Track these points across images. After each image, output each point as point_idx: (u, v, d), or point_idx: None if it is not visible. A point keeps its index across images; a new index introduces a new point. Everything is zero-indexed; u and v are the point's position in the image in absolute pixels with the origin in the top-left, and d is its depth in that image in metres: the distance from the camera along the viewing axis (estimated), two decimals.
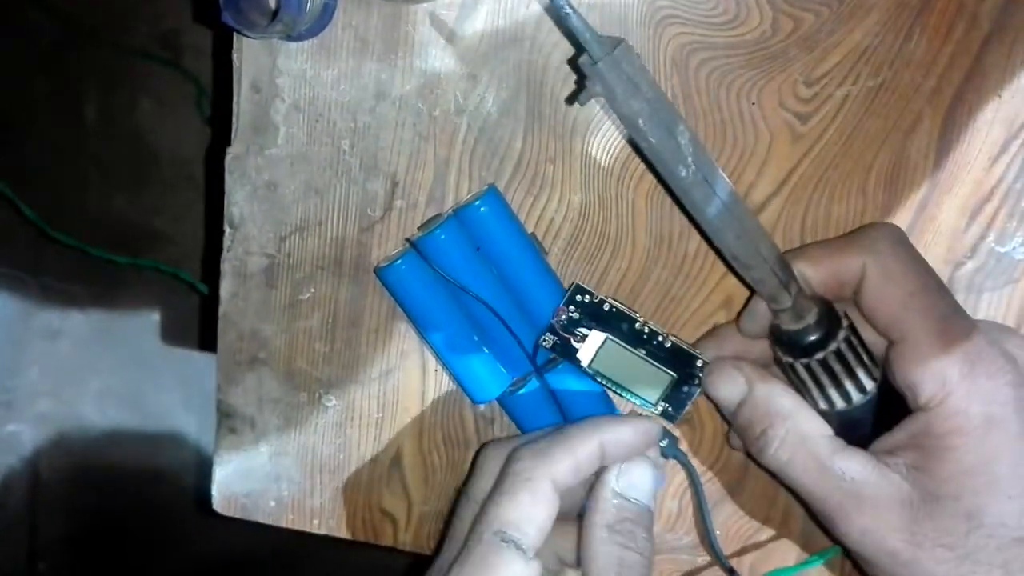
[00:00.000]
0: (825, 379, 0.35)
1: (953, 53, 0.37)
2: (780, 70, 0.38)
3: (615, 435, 0.36)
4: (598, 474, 0.37)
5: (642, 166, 0.39)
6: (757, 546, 0.44)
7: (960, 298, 0.40)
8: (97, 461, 1.08)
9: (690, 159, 0.31)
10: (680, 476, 0.43)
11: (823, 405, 0.36)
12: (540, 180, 0.40)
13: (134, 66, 1.01)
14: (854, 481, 0.35)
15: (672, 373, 0.38)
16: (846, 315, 0.36)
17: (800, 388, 0.37)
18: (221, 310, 0.43)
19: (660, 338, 0.37)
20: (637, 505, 0.36)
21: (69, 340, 1.06)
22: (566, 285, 0.40)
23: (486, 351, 0.41)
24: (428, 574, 0.35)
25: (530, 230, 0.40)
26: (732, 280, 0.41)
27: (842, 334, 0.35)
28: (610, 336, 0.37)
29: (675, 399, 0.39)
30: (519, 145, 0.40)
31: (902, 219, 0.39)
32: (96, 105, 1.03)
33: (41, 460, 1.08)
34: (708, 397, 0.39)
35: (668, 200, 0.40)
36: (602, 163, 0.40)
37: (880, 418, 0.35)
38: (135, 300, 1.05)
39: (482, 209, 0.39)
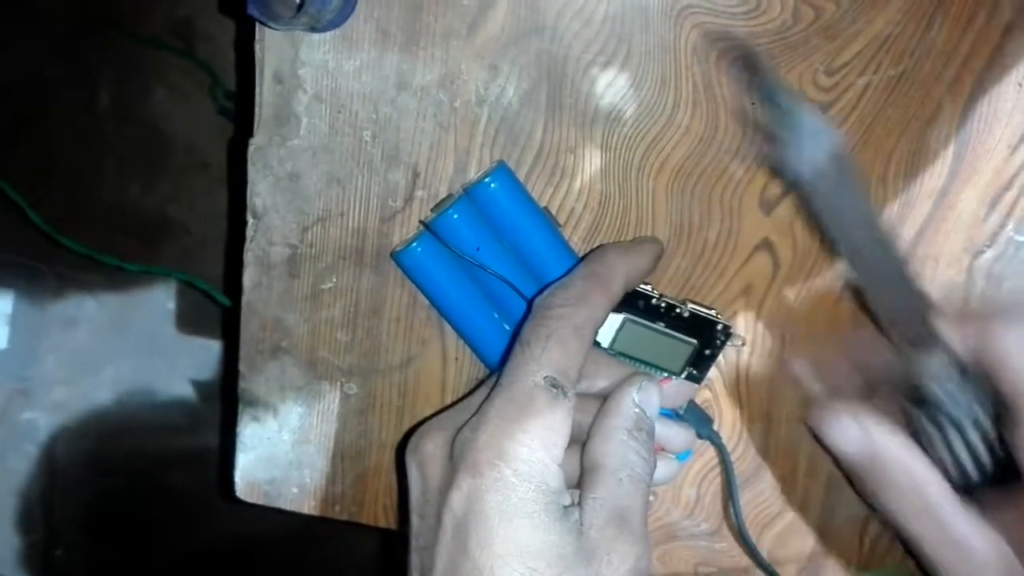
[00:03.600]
0: (959, 447, 0.35)
1: (974, 42, 0.37)
2: (801, 59, 0.38)
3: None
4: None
5: (662, 156, 0.39)
6: (775, 530, 0.44)
7: (980, 287, 0.40)
8: (113, 448, 1.09)
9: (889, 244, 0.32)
10: (698, 465, 0.44)
11: (951, 466, 0.35)
12: (560, 170, 0.40)
13: (148, 54, 1.01)
14: (971, 548, 0.35)
15: (693, 341, 0.38)
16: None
17: (926, 440, 0.36)
18: (244, 299, 0.44)
19: (678, 310, 0.37)
20: (650, 421, 0.36)
21: (85, 328, 1.07)
22: None
23: (507, 328, 0.41)
24: (477, 413, 0.34)
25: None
26: (751, 268, 0.41)
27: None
28: (628, 316, 0.37)
29: (699, 363, 0.39)
30: (539, 135, 0.40)
31: (922, 208, 0.39)
32: (110, 93, 1.03)
33: (57, 447, 1.09)
34: (813, 435, 0.38)
35: (688, 189, 0.40)
36: (622, 153, 0.40)
37: (1001, 469, 0.35)
38: (151, 288, 1.06)
39: (492, 185, 0.39)
